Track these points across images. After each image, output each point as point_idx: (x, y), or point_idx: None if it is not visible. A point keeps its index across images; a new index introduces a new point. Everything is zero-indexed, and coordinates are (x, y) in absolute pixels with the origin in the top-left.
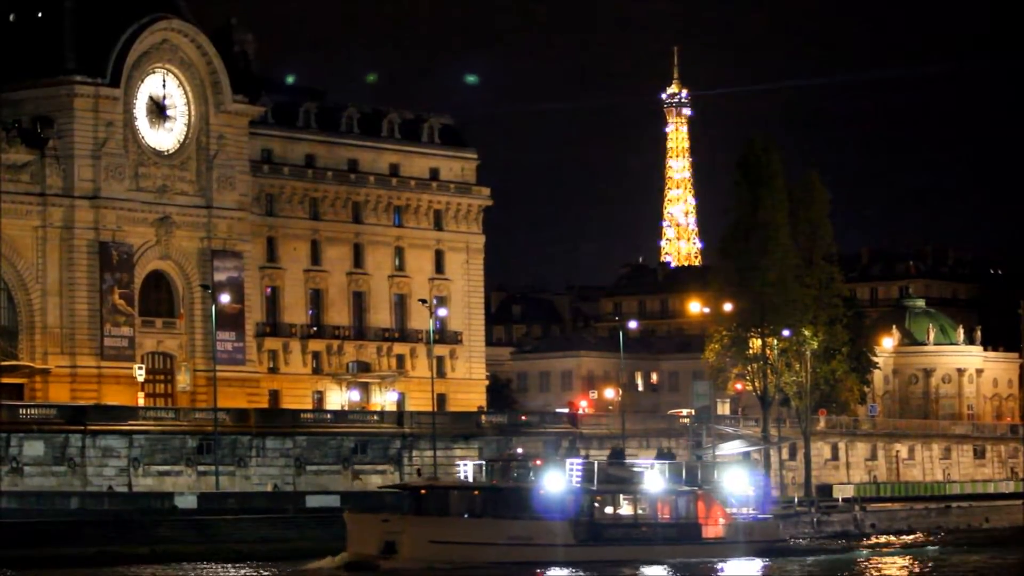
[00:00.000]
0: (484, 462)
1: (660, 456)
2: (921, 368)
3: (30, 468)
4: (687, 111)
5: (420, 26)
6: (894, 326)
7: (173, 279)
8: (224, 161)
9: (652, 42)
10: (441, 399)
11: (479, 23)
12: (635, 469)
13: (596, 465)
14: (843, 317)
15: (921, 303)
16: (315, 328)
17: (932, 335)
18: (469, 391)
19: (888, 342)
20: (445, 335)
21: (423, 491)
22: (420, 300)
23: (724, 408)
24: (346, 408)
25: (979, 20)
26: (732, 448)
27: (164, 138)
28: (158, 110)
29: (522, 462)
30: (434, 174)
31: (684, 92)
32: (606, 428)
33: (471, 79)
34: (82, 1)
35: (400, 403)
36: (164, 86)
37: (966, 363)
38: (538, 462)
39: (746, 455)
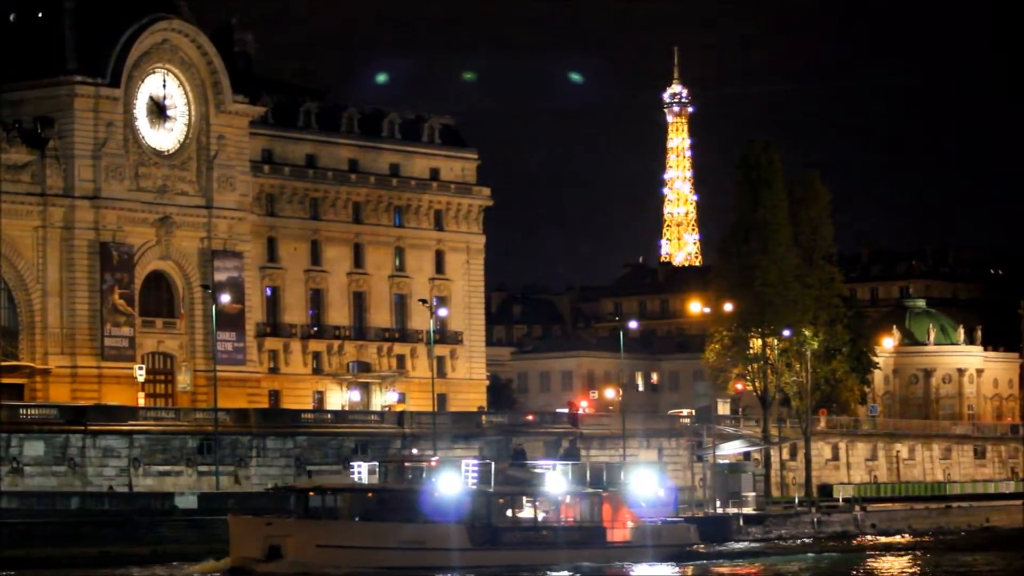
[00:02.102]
0: (378, 463)
1: (565, 456)
2: (921, 368)
3: (30, 468)
4: (688, 111)
5: (421, 26)
6: (894, 326)
7: (173, 279)
8: (224, 161)
9: (652, 42)
10: (442, 399)
11: (479, 23)
12: (536, 470)
13: (493, 466)
14: (843, 317)
15: (921, 303)
16: (315, 328)
17: (932, 335)
18: (469, 391)
19: (888, 342)
20: (445, 335)
21: (311, 493)
22: (420, 300)
23: (724, 408)
24: (346, 408)
25: (979, 20)
26: (732, 448)
27: (164, 138)
28: (158, 110)
29: (417, 463)
30: (434, 174)
31: (684, 92)
32: (606, 428)
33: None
34: (82, 1)
35: (393, 403)
36: (164, 86)
37: (966, 363)
38: (433, 463)
39: (746, 455)
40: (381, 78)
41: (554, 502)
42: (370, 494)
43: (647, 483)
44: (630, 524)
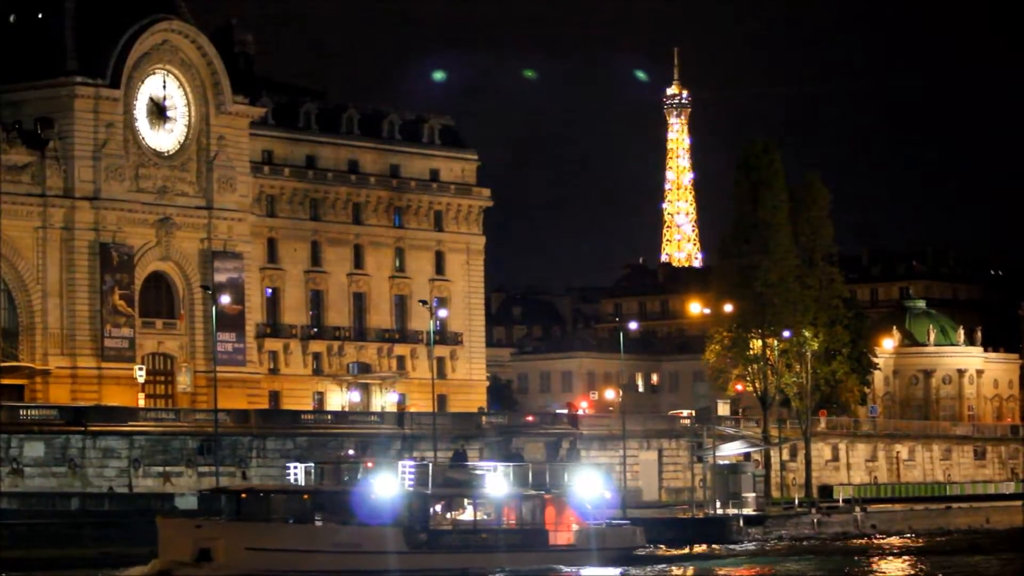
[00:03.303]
0: (313, 464)
1: (509, 458)
2: (922, 369)
3: (30, 469)
4: (688, 111)
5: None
6: (894, 327)
7: (173, 280)
8: (224, 162)
9: (652, 42)
10: (442, 400)
11: (479, 23)
12: (476, 472)
13: (431, 468)
14: (843, 318)
15: (921, 304)
16: (315, 329)
17: (932, 336)
18: (469, 392)
19: (888, 343)
20: (445, 336)
21: (243, 495)
22: (420, 301)
23: (724, 409)
24: (346, 409)
25: (979, 19)
26: (732, 449)
27: (164, 139)
28: (158, 111)
29: (353, 464)
30: (434, 175)
31: (684, 93)
32: (606, 429)
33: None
34: (82, 2)
35: (400, 404)
36: (164, 87)
37: (966, 364)
38: (369, 464)
39: (747, 456)
40: (438, 75)
41: (495, 504)
42: (302, 496)
43: (591, 485)
44: (574, 527)
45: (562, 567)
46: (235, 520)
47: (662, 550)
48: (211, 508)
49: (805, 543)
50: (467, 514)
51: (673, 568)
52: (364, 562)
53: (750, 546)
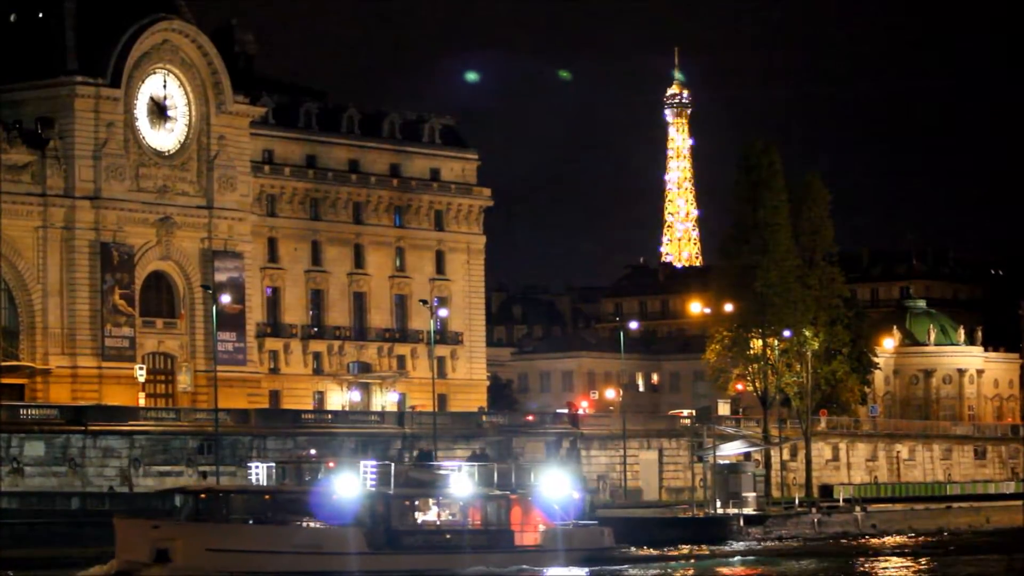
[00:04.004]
0: (274, 464)
1: (473, 458)
2: (922, 369)
3: (31, 468)
4: (688, 111)
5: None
6: (895, 327)
7: (174, 279)
8: (225, 161)
9: (652, 42)
10: (442, 399)
11: (479, 23)
12: (440, 472)
13: (394, 467)
14: (844, 317)
15: (922, 303)
16: (316, 328)
17: (933, 336)
18: (470, 392)
19: (889, 343)
20: (446, 336)
21: (202, 495)
22: (421, 301)
23: (725, 408)
24: (347, 409)
25: (979, 19)
26: (733, 448)
27: (165, 138)
28: (159, 110)
29: (315, 464)
30: (435, 174)
31: (684, 93)
32: (607, 429)
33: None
34: (83, 1)
35: (401, 403)
36: (165, 86)
37: (967, 364)
38: (331, 464)
39: (747, 455)
40: (471, 76)
41: (459, 504)
42: (262, 496)
43: (558, 485)
44: (540, 527)
45: (528, 568)
46: (194, 520)
47: (645, 551)
48: (169, 508)
49: (804, 543)
50: (431, 514)
51: (631, 569)
52: (325, 563)
53: (739, 546)
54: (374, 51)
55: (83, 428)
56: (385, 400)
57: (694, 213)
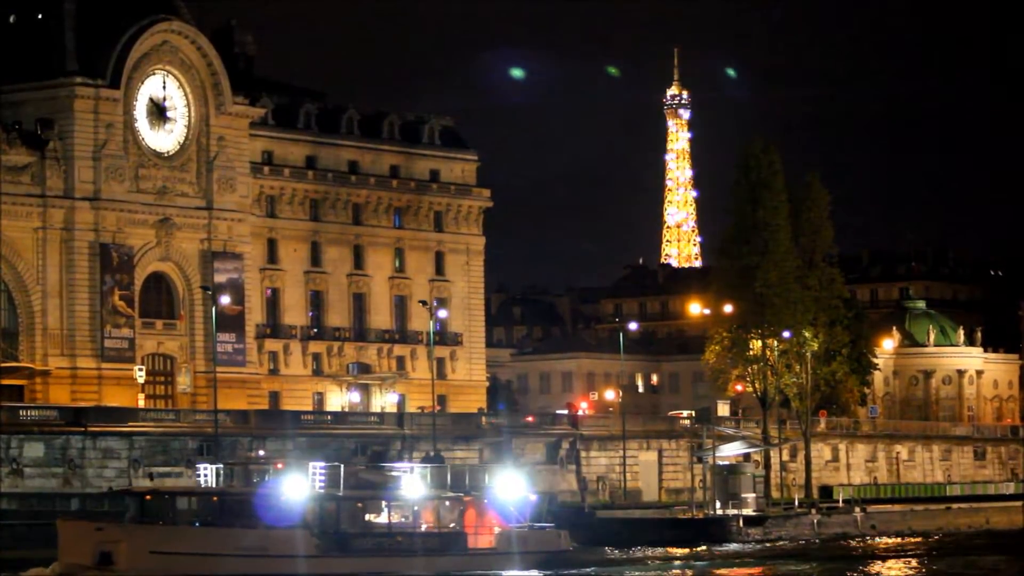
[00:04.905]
0: (223, 465)
1: (427, 460)
2: (921, 369)
3: (30, 469)
4: (687, 112)
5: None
6: (894, 327)
7: (173, 281)
8: (224, 162)
9: (652, 42)
10: (441, 400)
11: (478, 23)
12: (391, 473)
13: (343, 469)
14: (843, 318)
15: (921, 304)
16: (315, 329)
17: (932, 336)
18: (469, 393)
19: (888, 343)
20: (445, 337)
21: (147, 496)
22: (420, 302)
23: (724, 409)
24: (346, 410)
25: (979, 19)
26: (732, 449)
27: (164, 139)
28: (158, 111)
29: (263, 465)
30: (434, 175)
31: (684, 93)
32: (606, 429)
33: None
34: (82, 2)
35: (400, 404)
36: (164, 87)
37: (966, 364)
38: (279, 465)
39: (747, 456)
40: (517, 73)
41: (410, 506)
42: (208, 498)
43: (513, 487)
44: (495, 530)
45: (482, 571)
46: (139, 522)
47: (609, 552)
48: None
49: (804, 544)
50: (382, 517)
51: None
52: (272, 566)
53: (739, 547)
54: (374, 51)
55: (83, 429)
56: (385, 401)
57: (694, 213)
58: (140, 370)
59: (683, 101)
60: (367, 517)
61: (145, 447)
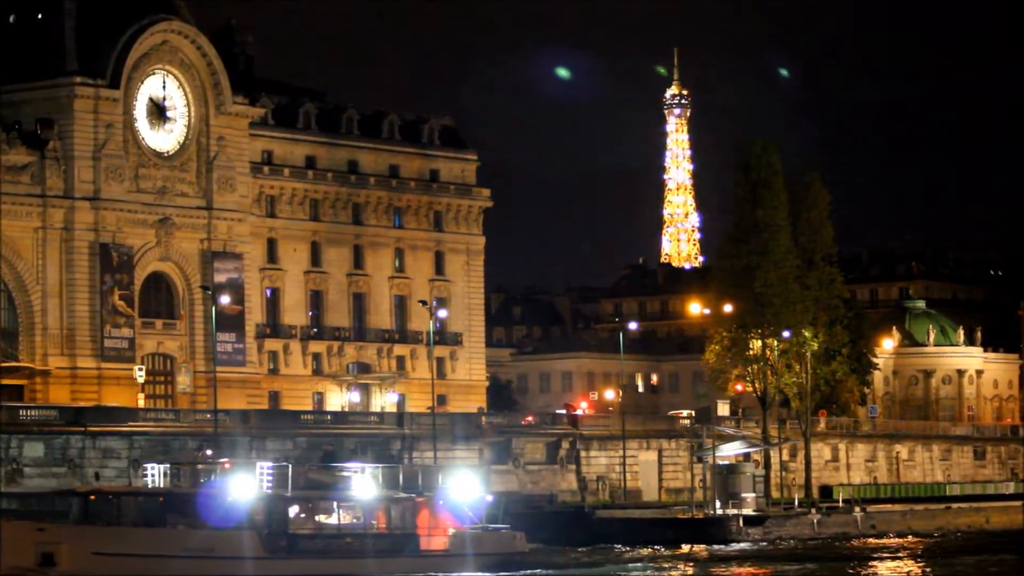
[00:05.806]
0: (169, 465)
1: (379, 460)
2: (921, 369)
3: (30, 469)
4: (687, 111)
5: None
6: (894, 327)
7: (173, 280)
8: (224, 162)
9: (652, 42)
10: (441, 400)
11: (478, 23)
12: (342, 474)
13: (291, 469)
14: (843, 318)
15: (921, 304)
16: (315, 329)
17: (932, 336)
18: (469, 392)
19: (888, 343)
20: (445, 336)
21: (91, 497)
22: (420, 301)
23: (724, 409)
24: (346, 409)
25: (979, 19)
26: (732, 449)
27: (164, 139)
28: (158, 111)
29: (210, 465)
30: (434, 175)
31: (684, 92)
32: (606, 429)
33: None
34: (82, 2)
35: (400, 404)
36: (164, 87)
37: (966, 364)
38: (227, 465)
39: (746, 456)
40: (563, 72)
41: (362, 507)
42: (152, 498)
43: (469, 488)
44: (449, 531)
45: (435, 573)
46: (82, 523)
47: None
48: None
49: (804, 543)
50: (332, 518)
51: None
52: (217, 567)
53: (739, 547)
54: (374, 51)
55: (82, 429)
56: (384, 401)
57: (693, 213)
58: (140, 370)
59: (683, 100)
60: (316, 518)
61: (145, 447)
